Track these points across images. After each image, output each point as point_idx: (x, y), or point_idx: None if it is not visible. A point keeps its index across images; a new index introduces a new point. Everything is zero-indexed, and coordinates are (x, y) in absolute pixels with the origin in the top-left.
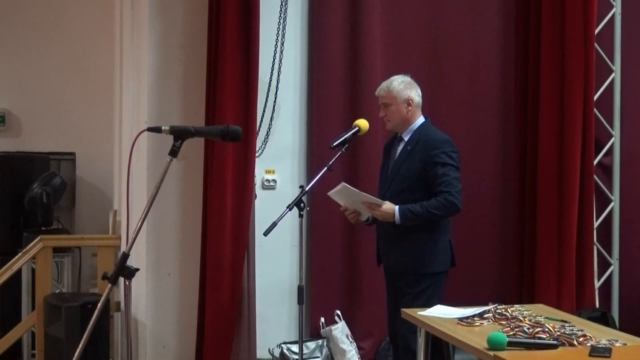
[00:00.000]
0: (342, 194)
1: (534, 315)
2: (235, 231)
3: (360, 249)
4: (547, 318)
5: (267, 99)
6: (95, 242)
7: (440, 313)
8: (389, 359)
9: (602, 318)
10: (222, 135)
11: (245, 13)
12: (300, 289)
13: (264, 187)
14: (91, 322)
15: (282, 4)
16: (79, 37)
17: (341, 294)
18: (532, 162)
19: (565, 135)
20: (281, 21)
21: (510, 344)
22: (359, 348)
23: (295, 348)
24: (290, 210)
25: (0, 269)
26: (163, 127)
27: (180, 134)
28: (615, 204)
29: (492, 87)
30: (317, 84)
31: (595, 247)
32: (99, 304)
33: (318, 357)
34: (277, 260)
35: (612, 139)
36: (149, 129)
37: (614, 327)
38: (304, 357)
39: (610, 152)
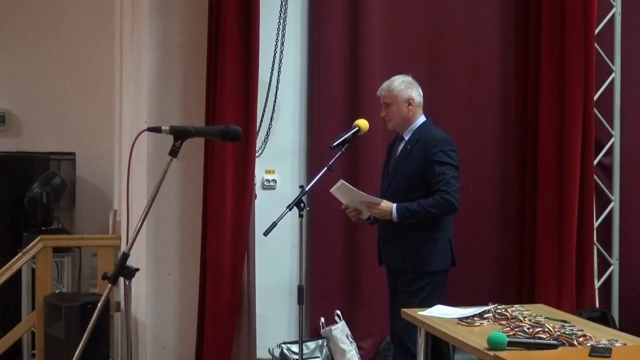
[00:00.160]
0: (341, 191)
1: (534, 315)
2: (235, 231)
3: (360, 249)
4: (547, 318)
5: (267, 99)
6: (95, 242)
7: (440, 313)
8: (389, 359)
9: (602, 318)
10: (222, 135)
11: (245, 13)
12: (300, 289)
13: (264, 187)
14: (91, 322)
15: (282, 4)
16: (79, 37)
17: (341, 294)
18: (532, 162)
19: (565, 135)
20: (281, 21)
21: (510, 344)
22: (359, 348)
23: (295, 348)
24: (290, 210)
25: (0, 269)
26: (163, 127)
27: (180, 134)
28: (615, 204)
29: (492, 87)
30: (317, 84)
31: (595, 247)
32: (99, 304)
33: (318, 357)
34: (277, 260)
35: (612, 139)
36: (149, 129)
37: (614, 327)
38: (304, 357)
39: (610, 152)
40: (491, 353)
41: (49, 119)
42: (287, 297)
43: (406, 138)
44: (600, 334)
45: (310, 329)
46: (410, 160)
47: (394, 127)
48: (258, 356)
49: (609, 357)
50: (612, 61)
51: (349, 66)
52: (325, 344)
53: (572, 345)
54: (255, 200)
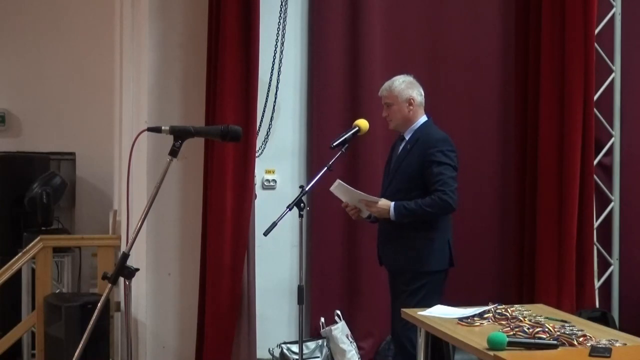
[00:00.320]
0: (340, 190)
1: (534, 315)
2: (235, 231)
3: (360, 249)
4: (547, 318)
5: (267, 99)
6: (95, 242)
7: (440, 313)
8: (389, 359)
9: (602, 318)
10: (222, 135)
11: (245, 13)
12: (300, 289)
13: (264, 187)
14: (91, 322)
15: (282, 4)
16: (79, 37)
17: (341, 294)
18: (532, 162)
19: (565, 135)
20: (281, 21)
21: (510, 344)
22: (359, 348)
23: (295, 348)
24: (290, 210)
25: (0, 269)
26: (163, 127)
27: (180, 134)
28: (615, 204)
29: (492, 87)
30: (317, 84)
31: (595, 247)
32: (99, 304)
33: (318, 357)
34: (277, 260)
35: (612, 139)
36: (149, 129)
37: (614, 327)
38: (304, 357)
39: (610, 152)
40: (491, 353)
41: (49, 119)
42: (287, 297)
43: (407, 138)
44: (600, 334)
45: (310, 329)
46: (410, 160)
47: (395, 127)
48: (258, 356)
49: (609, 357)
50: (612, 61)
51: (349, 66)
52: (325, 344)
53: (572, 345)
54: (255, 200)
